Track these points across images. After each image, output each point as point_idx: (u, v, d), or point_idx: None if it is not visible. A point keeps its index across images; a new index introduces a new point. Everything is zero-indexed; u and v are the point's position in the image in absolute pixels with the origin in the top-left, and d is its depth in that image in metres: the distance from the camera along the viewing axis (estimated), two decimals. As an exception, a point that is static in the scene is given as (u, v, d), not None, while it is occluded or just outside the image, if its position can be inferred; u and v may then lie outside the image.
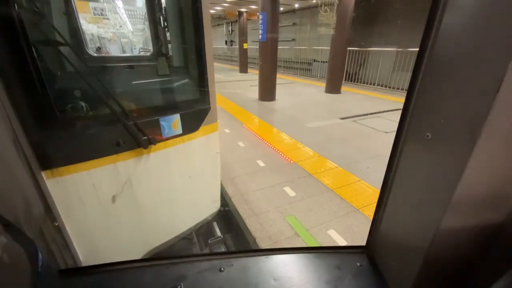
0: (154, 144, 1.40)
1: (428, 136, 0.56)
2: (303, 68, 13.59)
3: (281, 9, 14.64)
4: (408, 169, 0.65)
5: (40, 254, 0.70)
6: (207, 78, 1.61)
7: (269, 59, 7.69)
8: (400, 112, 0.66)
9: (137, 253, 1.60)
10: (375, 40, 10.70)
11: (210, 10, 13.48)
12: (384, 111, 6.71)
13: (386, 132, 5.15)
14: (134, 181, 1.42)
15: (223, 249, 2.29)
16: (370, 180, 3.31)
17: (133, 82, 2.17)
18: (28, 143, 0.98)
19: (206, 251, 2.23)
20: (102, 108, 1.27)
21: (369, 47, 9.91)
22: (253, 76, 13.41)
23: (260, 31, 7.39)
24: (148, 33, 3.08)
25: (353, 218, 2.60)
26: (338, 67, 9.15)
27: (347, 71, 10.23)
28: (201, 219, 1.98)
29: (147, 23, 2.84)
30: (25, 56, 0.94)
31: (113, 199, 1.36)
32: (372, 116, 6.32)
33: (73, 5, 2.57)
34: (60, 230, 1.16)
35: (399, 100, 7.96)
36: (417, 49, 0.59)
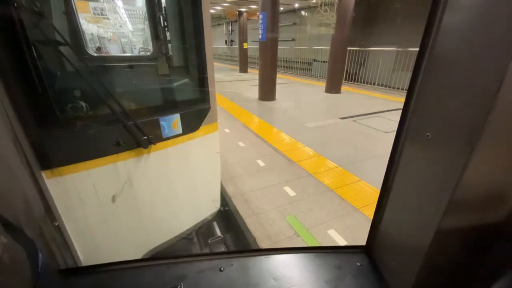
0: (154, 143, 1.40)
1: (428, 136, 0.56)
2: (303, 68, 13.58)
3: (281, 9, 14.63)
4: (408, 169, 0.65)
5: (40, 254, 0.69)
6: (207, 78, 1.61)
7: (269, 58, 7.68)
8: (400, 112, 0.66)
9: (137, 253, 1.60)
10: (375, 39, 10.69)
11: (210, 10, 13.47)
12: (384, 111, 6.71)
13: (386, 132, 5.15)
14: (134, 181, 1.42)
15: (223, 249, 2.28)
16: (370, 180, 3.31)
17: (133, 82, 2.17)
18: (28, 143, 0.98)
19: (206, 251, 2.23)
20: (102, 108, 1.27)
21: (369, 47, 9.90)
22: (253, 75, 13.40)
23: (260, 31, 7.38)
24: (148, 32, 3.08)
25: (353, 218, 2.60)
26: (338, 66, 9.14)
27: (347, 70, 10.23)
28: (201, 219, 1.98)
29: (147, 22, 2.84)
30: (25, 56, 0.93)
31: (113, 199, 1.36)
32: (372, 116, 6.32)
33: (73, 4, 2.57)
34: (60, 230, 1.16)
35: (399, 100, 7.95)
36: (417, 49, 0.59)
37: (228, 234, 2.79)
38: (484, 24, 0.44)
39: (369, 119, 6.01)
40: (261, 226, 2.48)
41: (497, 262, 0.54)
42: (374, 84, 9.86)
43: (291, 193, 3.03)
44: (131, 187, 1.41)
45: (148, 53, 3.43)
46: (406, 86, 4.61)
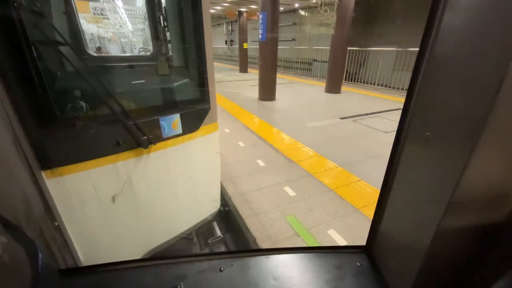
0: (154, 143, 1.40)
1: (428, 136, 0.56)
2: (303, 68, 13.58)
3: (281, 9, 14.63)
4: (408, 169, 0.65)
5: (40, 254, 0.69)
6: (207, 78, 1.61)
7: (269, 59, 7.68)
8: (400, 112, 0.66)
9: (137, 253, 1.60)
10: (375, 39, 10.69)
11: (210, 10, 13.47)
12: (384, 111, 6.71)
13: (386, 132, 5.15)
14: (134, 181, 1.42)
15: (223, 249, 2.29)
16: (370, 180, 3.31)
17: (133, 82, 2.17)
18: (28, 143, 0.98)
19: (206, 251, 2.23)
20: (102, 108, 1.27)
21: (369, 47, 9.91)
22: (253, 75, 13.40)
23: (260, 31, 7.38)
24: (148, 32, 3.08)
25: (353, 218, 2.60)
26: (338, 66, 9.14)
27: (347, 70, 10.23)
28: (201, 219, 1.98)
29: (147, 22, 2.84)
30: (25, 56, 0.94)
31: (113, 199, 1.36)
32: (372, 116, 6.32)
33: (73, 4, 2.57)
34: (60, 230, 1.16)
35: (399, 100, 7.95)
36: (417, 49, 0.59)
37: (228, 234, 2.79)
38: (484, 24, 0.44)
39: (369, 119, 6.01)
40: (261, 226, 2.48)
41: (497, 262, 0.54)
42: (374, 84, 9.85)
43: (291, 193, 3.03)
44: (131, 187, 1.41)
45: (148, 53, 3.44)
46: (406, 86, 4.61)
